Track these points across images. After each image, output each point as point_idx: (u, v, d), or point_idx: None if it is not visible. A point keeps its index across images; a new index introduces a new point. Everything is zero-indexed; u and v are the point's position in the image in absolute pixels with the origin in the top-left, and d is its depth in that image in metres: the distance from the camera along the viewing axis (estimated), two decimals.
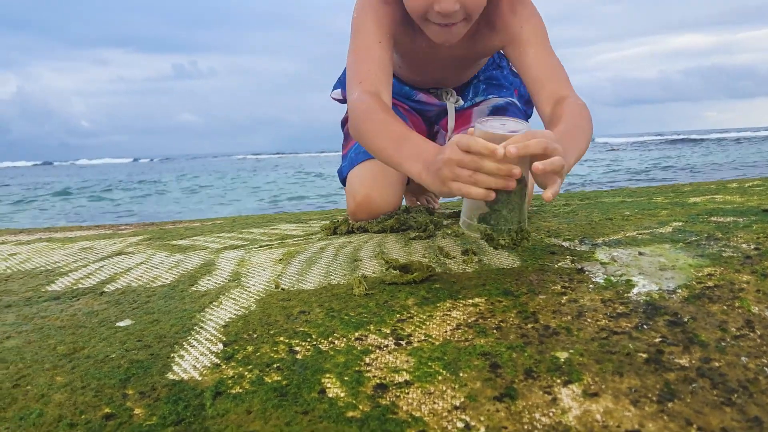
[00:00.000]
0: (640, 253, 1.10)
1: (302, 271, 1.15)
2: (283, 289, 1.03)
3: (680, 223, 1.36)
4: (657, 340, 0.74)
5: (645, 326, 0.78)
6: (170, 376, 0.72)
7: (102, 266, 1.37)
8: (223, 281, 1.13)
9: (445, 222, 1.65)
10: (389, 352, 0.75)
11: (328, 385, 0.67)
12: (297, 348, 0.77)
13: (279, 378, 0.69)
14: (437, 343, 0.76)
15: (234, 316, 0.91)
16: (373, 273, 1.10)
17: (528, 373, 0.68)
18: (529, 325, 0.80)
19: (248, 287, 1.07)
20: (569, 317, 0.82)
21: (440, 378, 0.68)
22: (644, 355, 0.70)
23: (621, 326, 0.78)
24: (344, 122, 1.90)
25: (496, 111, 1.75)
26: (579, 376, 0.66)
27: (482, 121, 0.92)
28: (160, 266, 1.32)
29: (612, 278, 0.97)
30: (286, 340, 0.80)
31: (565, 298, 0.90)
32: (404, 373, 0.69)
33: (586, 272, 1.01)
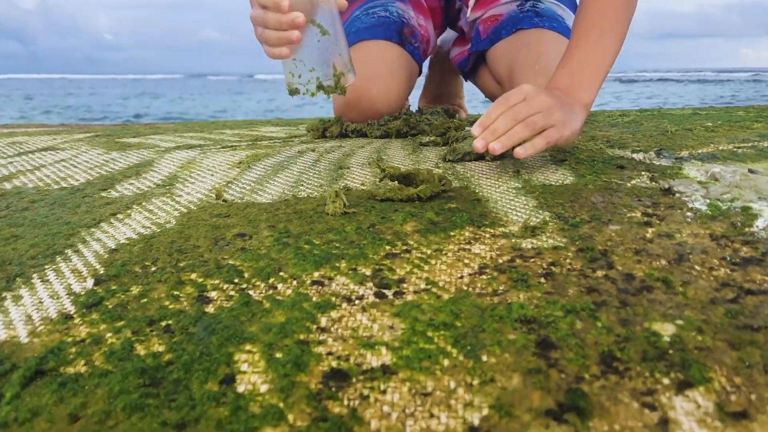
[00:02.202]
0: (751, 171, 0.79)
1: (263, 178, 0.86)
2: (224, 201, 0.75)
3: None
4: None
5: None
6: None
7: (12, 162, 1.09)
8: (148, 186, 0.84)
9: (468, 127, 1.34)
10: (364, 309, 0.46)
11: (243, 367, 0.39)
12: (211, 294, 0.49)
13: (161, 349, 0.42)
14: (446, 296, 0.48)
15: (134, 237, 0.63)
16: (362, 185, 0.81)
17: (607, 363, 0.39)
18: (599, 273, 0.51)
19: (178, 196, 0.78)
20: (665, 262, 0.53)
21: (447, 364, 0.39)
22: None
23: (754, 280, 0.49)
24: None
25: None
26: (705, 374, 0.37)
27: None
28: (82, 165, 1.04)
29: (720, 203, 0.67)
30: (199, 280, 0.52)
31: (651, 230, 0.61)
32: (384, 350, 0.41)
33: (677, 194, 0.72)
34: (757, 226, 0.61)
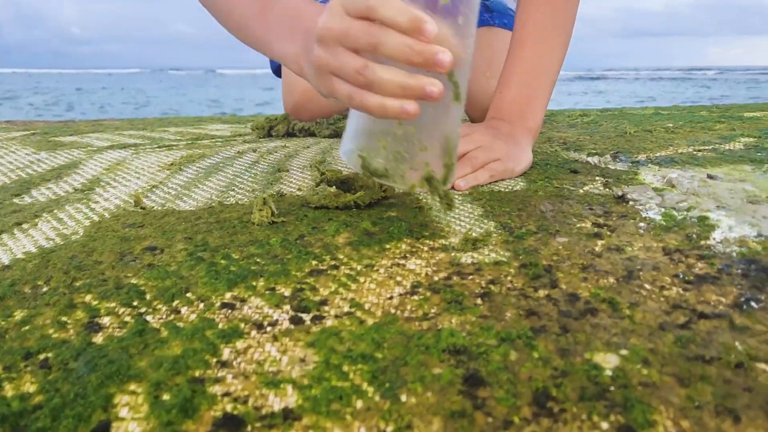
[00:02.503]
0: (710, 176, 0.76)
1: (192, 182, 0.81)
2: (143, 209, 0.69)
3: (752, 139, 1.02)
4: None
5: (753, 303, 0.44)
6: None
7: None
8: (66, 191, 0.78)
9: None
10: (275, 338, 0.41)
11: (122, 413, 0.34)
12: (104, 320, 0.44)
13: (32, 389, 0.36)
14: (371, 322, 0.43)
15: (33, 250, 0.57)
16: (299, 190, 0.76)
17: (540, 403, 0.35)
18: (541, 293, 0.47)
19: (95, 202, 0.72)
20: (612, 280, 0.49)
21: (360, 407, 0.35)
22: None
23: (708, 301, 0.45)
24: None
25: None
26: (648, 417, 0.33)
27: None
28: (4, 167, 0.97)
29: (675, 213, 0.64)
30: (93, 303, 0.46)
31: (600, 243, 0.57)
32: (290, 389, 0.36)
33: (631, 202, 0.68)
34: (714, 239, 0.57)
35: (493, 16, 1.26)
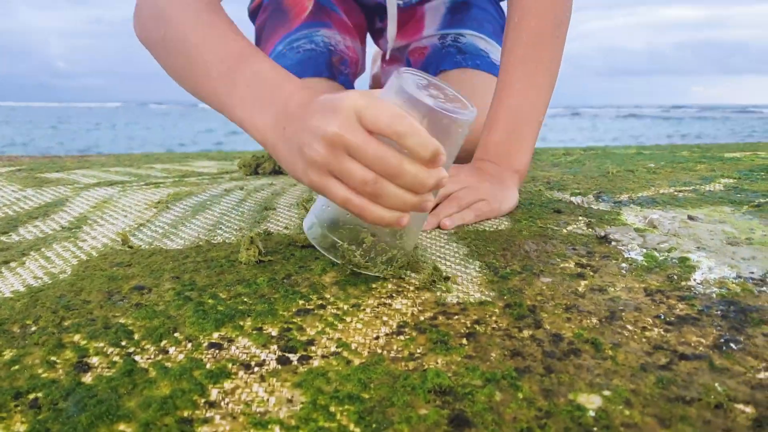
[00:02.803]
0: (690, 218, 0.78)
1: (179, 221, 0.82)
2: (130, 247, 0.70)
3: (732, 180, 1.04)
4: (762, 375, 0.42)
5: (732, 344, 0.46)
6: None
7: None
8: (53, 229, 0.79)
9: None
10: (262, 378, 0.42)
11: None
12: (92, 360, 0.44)
13: (21, 429, 0.36)
14: (357, 362, 0.44)
15: (21, 289, 0.57)
16: (286, 229, 0.77)
17: None
18: (526, 333, 0.48)
19: (82, 241, 0.73)
20: (595, 320, 0.50)
21: None
22: (748, 410, 0.38)
23: (689, 342, 0.46)
24: (253, 12, 1.46)
25: (456, 9, 1.36)
26: None
27: (405, 75, 0.55)
28: None
29: (656, 253, 0.65)
30: (82, 342, 0.47)
31: (584, 283, 0.58)
32: (277, 430, 0.36)
33: (613, 242, 0.69)
34: (695, 280, 0.58)
35: (465, 57, 1.27)
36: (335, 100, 0.53)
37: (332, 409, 0.38)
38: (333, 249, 0.60)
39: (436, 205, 0.79)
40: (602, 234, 0.71)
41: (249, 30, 1.40)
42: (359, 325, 0.50)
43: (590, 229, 0.75)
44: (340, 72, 1.32)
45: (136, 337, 0.48)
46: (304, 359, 0.45)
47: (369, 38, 1.51)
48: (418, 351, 0.46)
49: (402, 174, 0.50)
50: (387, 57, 1.40)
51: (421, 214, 0.60)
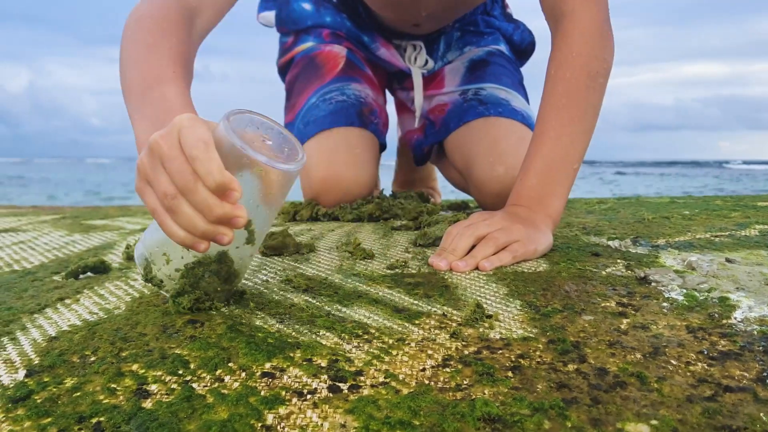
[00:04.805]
0: (729, 260, 0.78)
1: None
2: None
3: (766, 226, 1.04)
4: None
5: None
6: None
7: None
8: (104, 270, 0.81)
9: (442, 212, 1.33)
10: (315, 405, 0.43)
11: None
12: (152, 387, 0.46)
13: None
14: (406, 391, 0.45)
15: (78, 323, 0.60)
16: (328, 270, 0.79)
17: None
18: (571, 367, 0.49)
19: (133, 280, 0.75)
20: (639, 355, 0.51)
21: None
22: None
23: (733, 375, 0.47)
24: (283, 68, 1.54)
25: (475, 67, 1.41)
26: None
27: (235, 117, 0.58)
28: (40, 247, 1.01)
29: (697, 293, 0.66)
30: (140, 371, 0.48)
31: (626, 321, 0.58)
32: None
33: (653, 283, 0.70)
34: (735, 318, 0.59)
35: (488, 107, 1.31)
36: (179, 119, 0.56)
37: None
38: (142, 264, 0.63)
39: (472, 247, 0.81)
40: (642, 275, 0.72)
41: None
42: (405, 358, 0.51)
43: (629, 271, 0.75)
44: (371, 122, 1.36)
45: (192, 366, 0.49)
46: (354, 388, 0.46)
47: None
48: (465, 382, 0.47)
49: (195, 193, 0.52)
50: (416, 125, 1.45)
51: (240, 250, 0.62)
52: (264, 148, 0.58)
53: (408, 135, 1.54)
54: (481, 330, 0.57)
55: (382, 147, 1.44)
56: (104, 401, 0.44)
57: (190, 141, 0.52)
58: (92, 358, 0.51)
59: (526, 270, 0.78)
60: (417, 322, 0.59)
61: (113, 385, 0.46)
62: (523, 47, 1.52)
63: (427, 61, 1.43)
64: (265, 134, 0.60)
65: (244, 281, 0.73)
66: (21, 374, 0.49)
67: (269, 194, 0.59)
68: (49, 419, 0.42)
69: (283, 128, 0.62)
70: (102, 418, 0.42)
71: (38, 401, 0.44)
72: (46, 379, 0.48)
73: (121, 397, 0.45)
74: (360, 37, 1.43)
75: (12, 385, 0.47)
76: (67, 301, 0.68)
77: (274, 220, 0.61)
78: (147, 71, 0.73)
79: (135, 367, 0.50)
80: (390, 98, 1.60)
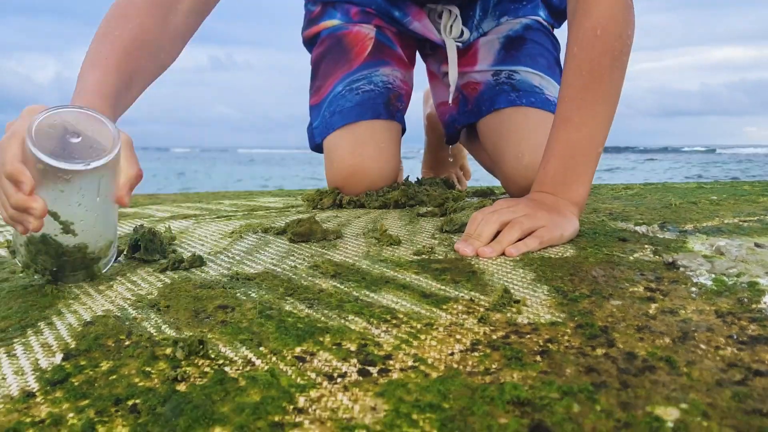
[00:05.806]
0: (758, 245, 0.77)
1: (253, 249, 0.84)
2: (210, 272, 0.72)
3: None
4: None
5: None
6: None
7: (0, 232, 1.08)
8: (135, 257, 0.82)
9: (467, 198, 1.33)
10: (346, 388, 0.43)
11: None
12: (186, 370, 0.46)
13: (124, 431, 0.38)
14: (435, 375, 0.45)
15: (111, 309, 0.60)
16: (355, 256, 0.79)
17: None
18: (599, 351, 0.49)
19: (164, 265, 0.76)
20: (668, 340, 0.50)
21: None
22: None
23: (763, 360, 0.46)
24: (308, 40, 1.50)
25: (510, 44, 1.35)
26: None
27: (41, 120, 0.62)
28: None
29: (725, 278, 0.65)
30: (175, 355, 0.49)
31: (654, 306, 0.58)
32: None
33: (681, 268, 0.69)
34: (765, 303, 0.58)
35: (520, 95, 1.27)
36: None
37: (414, 416, 0.40)
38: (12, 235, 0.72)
39: (498, 233, 0.80)
40: (670, 260, 0.71)
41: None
42: (433, 343, 0.51)
43: (657, 256, 0.75)
44: (397, 109, 1.35)
45: (221, 350, 0.50)
46: (384, 372, 0.46)
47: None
48: (494, 366, 0.47)
49: (3, 186, 0.61)
50: (450, 101, 1.42)
51: (63, 238, 0.66)
52: (69, 145, 0.63)
53: (441, 108, 1.50)
54: (508, 315, 0.57)
55: (403, 128, 1.42)
56: (140, 384, 0.45)
57: (2, 142, 0.62)
58: (127, 343, 0.52)
59: (552, 255, 0.77)
60: (444, 307, 0.60)
61: (148, 369, 0.47)
62: (563, 7, 1.41)
63: (462, 32, 1.36)
64: (75, 132, 0.63)
65: (272, 266, 0.74)
66: (58, 358, 0.50)
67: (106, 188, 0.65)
68: (87, 401, 0.42)
69: (106, 123, 0.66)
70: (138, 401, 0.43)
71: (75, 384, 0.45)
72: (82, 363, 0.49)
73: (156, 381, 0.45)
74: (390, 12, 1.38)
75: (50, 369, 0.48)
76: (101, 287, 0.69)
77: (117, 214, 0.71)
78: (91, 55, 0.80)
79: (168, 351, 0.50)
80: (420, 63, 1.54)
